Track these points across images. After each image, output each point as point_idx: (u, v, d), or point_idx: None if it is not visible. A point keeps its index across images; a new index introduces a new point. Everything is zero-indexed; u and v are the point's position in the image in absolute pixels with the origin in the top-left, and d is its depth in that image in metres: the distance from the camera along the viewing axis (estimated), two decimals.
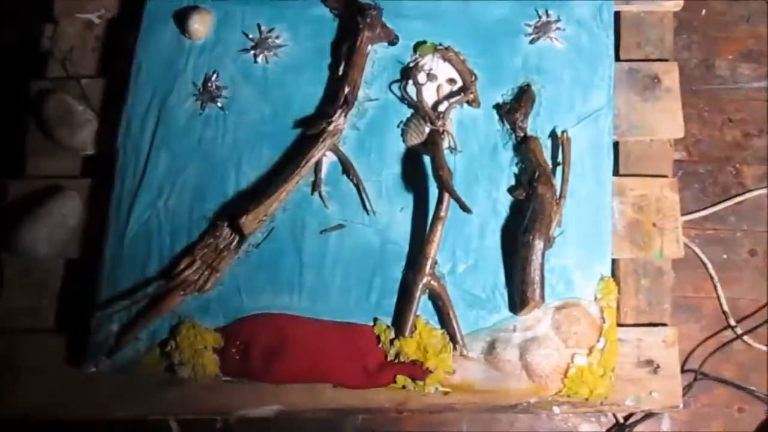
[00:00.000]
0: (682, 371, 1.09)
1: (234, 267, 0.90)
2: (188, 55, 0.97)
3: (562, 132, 0.93)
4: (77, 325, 0.93)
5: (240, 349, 0.89)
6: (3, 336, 0.95)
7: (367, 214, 0.91)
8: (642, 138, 1.00)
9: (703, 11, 1.28)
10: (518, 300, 0.88)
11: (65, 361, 0.93)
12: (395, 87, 0.95)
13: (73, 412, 0.93)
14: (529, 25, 0.98)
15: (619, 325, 0.92)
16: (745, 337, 1.15)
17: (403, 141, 0.93)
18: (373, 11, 0.92)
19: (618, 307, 0.92)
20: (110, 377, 0.91)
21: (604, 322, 0.89)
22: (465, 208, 0.83)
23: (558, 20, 0.98)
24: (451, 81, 0.95)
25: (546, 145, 0.93)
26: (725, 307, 1.16)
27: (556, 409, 0.93)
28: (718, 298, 1.17)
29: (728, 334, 1.16)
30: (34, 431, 0.97)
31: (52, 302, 0.96)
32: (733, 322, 1.16)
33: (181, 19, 0.98)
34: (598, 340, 0.89)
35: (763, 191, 1.20)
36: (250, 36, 0.97)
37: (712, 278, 1.17)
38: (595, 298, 0.90)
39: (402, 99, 0.95)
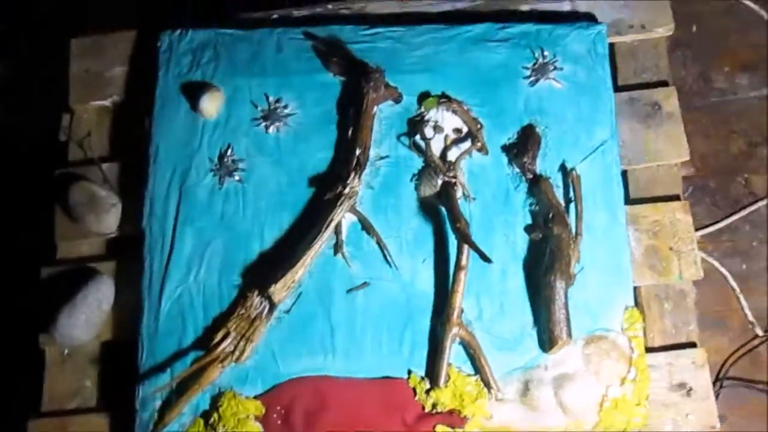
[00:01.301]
0: (715, 382, 1.10)
1: (267, 334, 0.92)
2: (202, 132, 1.01)
3: (571, 170, 0.96)
4: (121, 404, 0.96)
5: (281, 414, 0.91)
6: (51, 419, 0.97)
7: (391, 268, 0.93)
8: (649, 165, 1.02)
9: (694, 27, 1.31)
10: (546, 340, 0.90)
11: None
12: (404, 139, 0.98)
13: None
14: (527, 68, 1.01)
15: (648, 350, 0.94)
16: None
17: (418, 194, 0.96)
18: (376, 73, 0.96)
19: (645, 334, 0.94)
20: None
21: (633, 352, 0.91)
22: (485, 258, 0.85)
23: (555, 59, 1.01)
24: (458, 131, 0.98)
25: (557, 184, 0.96)
26: (750, 317, 1.17)
27: None
28: (742, 308, 1.18)
29: (757, 343, 1.17)
30: None
31: (94, 383, 0.99)
32: (760, 332, 1.17)
33: (193, 97, 1.02)
34: (629, 371, 0.90)
35: None
36: (259, 107, 1.01)
37: (734, 290, 1.18)
38: (622, 329, 0.92)
39: (411, 149, 0.98)
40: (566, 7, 1.08)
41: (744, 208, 1.22)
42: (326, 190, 0.94)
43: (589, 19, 1.06)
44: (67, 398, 0.99)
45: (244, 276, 0.95)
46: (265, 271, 0.93)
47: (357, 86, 0.97)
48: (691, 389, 0.94)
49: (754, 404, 1.16)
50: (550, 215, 0.92)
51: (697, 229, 1.10)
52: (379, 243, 0.94)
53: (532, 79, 1.00)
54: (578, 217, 0.93)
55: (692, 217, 1.00)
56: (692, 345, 0.96)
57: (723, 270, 1.19)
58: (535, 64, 1.01)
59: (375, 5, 1.09)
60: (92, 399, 0.99)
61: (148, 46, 1.09)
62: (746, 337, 1.18)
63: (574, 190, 0.94)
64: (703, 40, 1.31)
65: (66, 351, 1.00)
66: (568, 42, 1.02)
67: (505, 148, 0.98)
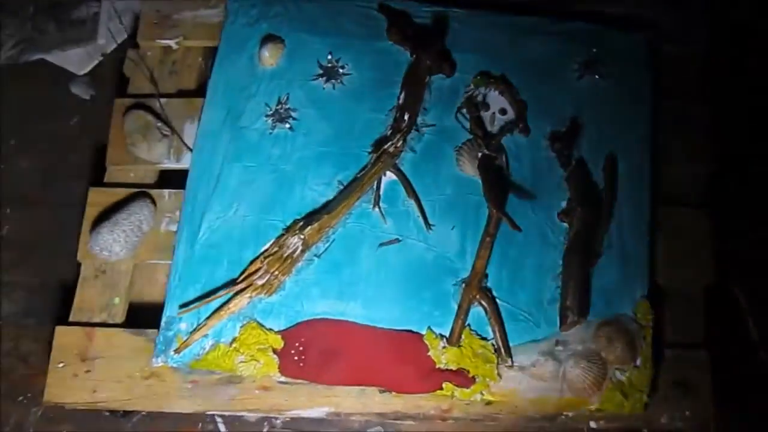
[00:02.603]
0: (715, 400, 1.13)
1: (297, 274, 0.97)
2: (261, 79, 1.06)
3: (606, 160, 1.00)
4: (147, 322, 1.01)
5: (298, 350, 0.95)
6: (77, 329, 1.02)
7: (427, 229, 0.98)
8: (678, 170, 1.06)
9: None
10: (560, 316, 0.94)
11: (134, 355, 1.00)
12: (453, 110, 1.03)
13: (139, 404, 0.99)
14: (576, 62, 1.06)
15: (656, 345, 0.97)
16: None
17: (457, 164, 1.01)
18: (436, 45, 1.01)
19: (654, 328, 0.97)
20: (175, 372, 0.98)
21: (641, 341, 0.95)
22: (515, 226, 0.90)
23: (603, 59, 1.06)
24: (503, 111, 1.03)
25: (590, 172, 1.00)
26: (755, 337, 1.20)
27: (592, 424, 0.97)
28: (749, 327, 1.21)
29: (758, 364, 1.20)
30: None
31: (123, 300, 1.04)
32: (764, 354, 1.19)
33: (256, 46, 1.07)
34: (635, 358, 0.94)
35: None
36: (319, 64, 1.06)
37: (742, 309, 1.21)
38: (634, 318, 0.96)
39: (457, 121, 1.03)
40: (620, 13, 1.12)
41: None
42: (372, 147, 0.99)
43: (641, 26, 1.10)
44: (96, 311, 1.04)
45: (283, 216, 0.99)
46: (307, 214, 0.98)
47: (415, 54, 1.02)
48: (691, 388, 0.97)
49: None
50: (581, 199, 0.96)
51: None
52: (417, 203, 0.98)
53: (578, 73, 1.05)
54: (607, 204, 0.97)
55: None
56: (698, 346, 1.00)
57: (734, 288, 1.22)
58: (583, 60, 1.06)
59: None
60: (119, 315, 1.04)
61: None
62: (750, 355, 1.21)
63: (606, 180, 0.99)
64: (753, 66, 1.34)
65: (101, 268, 1.05)
66: (618, 45, 1.07)
67: (547, 133, 1.02)
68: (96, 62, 1.41)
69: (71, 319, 1.04)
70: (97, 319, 1.03)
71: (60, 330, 1.02)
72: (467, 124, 1.02)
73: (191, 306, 0.96)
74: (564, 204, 0.99)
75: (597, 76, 1.05)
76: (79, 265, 1.06)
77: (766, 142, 1.23)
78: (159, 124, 1.09)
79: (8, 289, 1.29)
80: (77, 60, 1.42)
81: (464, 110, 1.02)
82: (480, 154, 0.99)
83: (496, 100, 1.03)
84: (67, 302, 1.06)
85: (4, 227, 1.31)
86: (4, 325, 1.26)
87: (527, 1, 1.12)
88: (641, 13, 1.12)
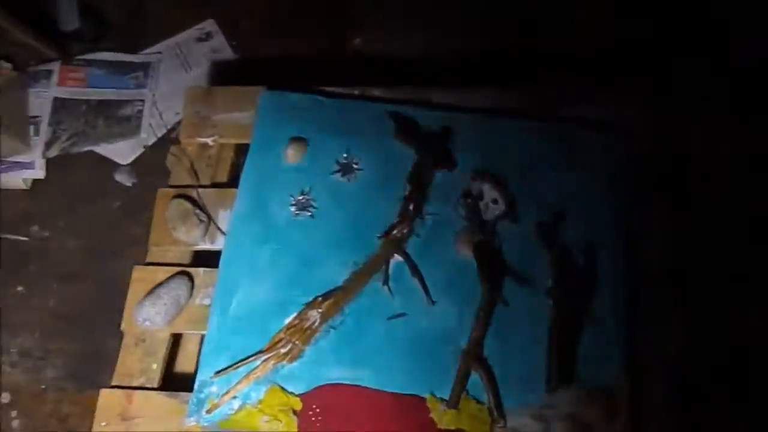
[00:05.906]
0: None
1: (315, 344, 1.10)
2: (287, 173, 1.22)
3: (586, 248, 1.15)
4: (181, 386, 1.14)
5: (316, 412, 1.07)
6: (119, 391, 1.15)
7: (429, 304, 1.12)
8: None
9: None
10: (546, 383, 1.06)
11: (169, 415, 1.12)
12: (452, 204, 1.19)
13: None
14: (558, 159, 1.22)
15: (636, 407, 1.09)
16: None
17: (456, 247, 1.15)
18: (437, 146, 1.17)
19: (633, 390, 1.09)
20: (206, 430, 1.10)
21: (623, 406, 1.06)
22: (503, 302, 1.03)
23: (581, 155, 1.22)
24: (495, 201, 1.18)
25: (573, 256, 1.14)
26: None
27: None
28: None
29: None
30: None
31: (161, 365, 1.17)
32: None
33: (283, 145, 1.24)
34: (617, 420, 1.05)
35: None
36: (337, 160, 1.23)
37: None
38: (615, 385, 1.07)
39: (454, 211, 1.18)
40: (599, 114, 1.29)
41: None
42: (382, 233, 1.15)
43: (616, 127, 1.27)
44: (135, 375, 1.17)
45: (304, 293, 1.13)
46: (323, 291, 1.13)
47: (419, 152, 1.19)
48: None
49: None
50: (564, 280, 1.10)
51: None
52: (421, 281, 1.12)
53: (560, 168, 1.21)
54: (588, 285, 1.11)
55: None
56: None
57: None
58: (564, 156, 1.22)
59: (439, 94, 1.33)
60: (156, 379, 1.17)
61: (250, 101, 1.34)
62: None
63: (586, 264, 1.13)
64: None
65: (141, 336, 1.19)
66: (595, 143, 1.24)
67: (533, 220, 1.17)
68: (138, 154, 1.61)
69: (113, 382, 1.17)
70: (136, 383, 1.16)
71: (104, 392, 1.15)
72: (463, 213, 1.17)
73: (224, 371, 1.09)
74: (551, 283, 1.13)
75: (576, 171, 1.21)
76: (118, 334, 1.20)
77: None
78: (197, 211, 1.25)
79: (52, 356, 1.43)
80: (122, 151, 1.62)
81: (461, 201, 1.18)
82: (476, 239, 1.14)
83: (489, 192, 1.18)
84: (103, 369, 1.19)
85: (52, 300, 1.47)
86: (48, 389, 1.39)
87: (518, 107, 1.29)
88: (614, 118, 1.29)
